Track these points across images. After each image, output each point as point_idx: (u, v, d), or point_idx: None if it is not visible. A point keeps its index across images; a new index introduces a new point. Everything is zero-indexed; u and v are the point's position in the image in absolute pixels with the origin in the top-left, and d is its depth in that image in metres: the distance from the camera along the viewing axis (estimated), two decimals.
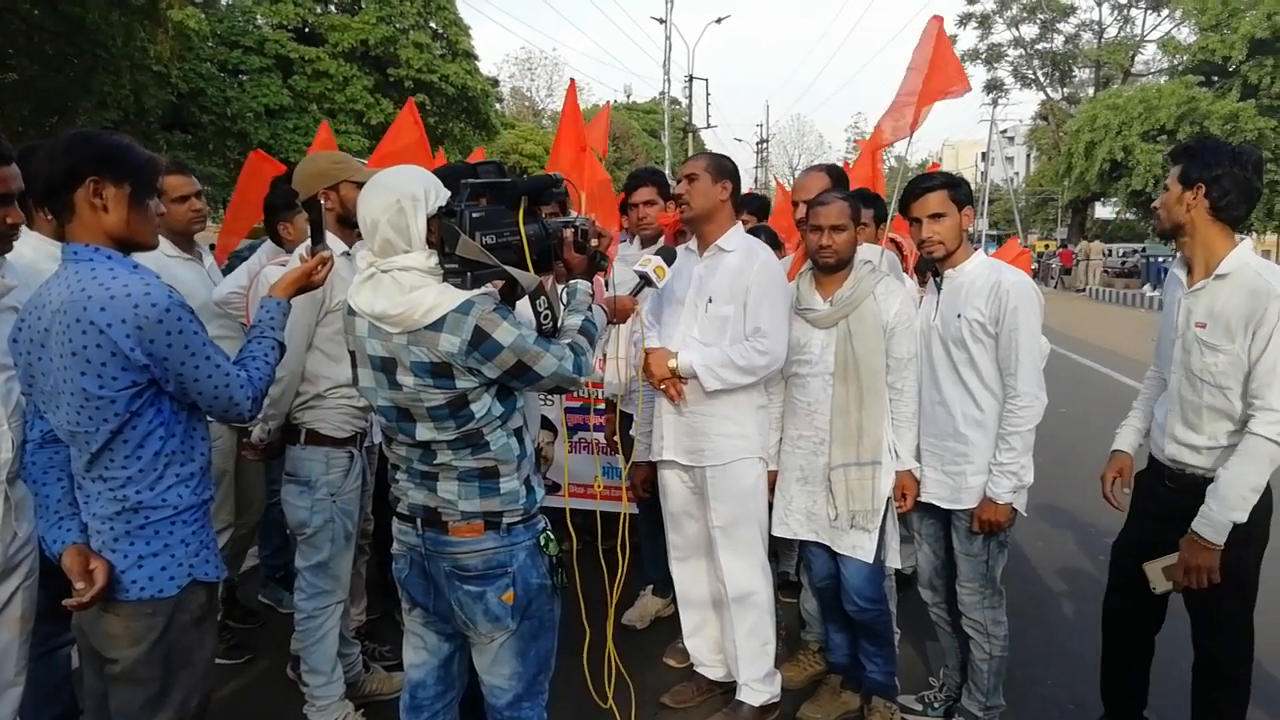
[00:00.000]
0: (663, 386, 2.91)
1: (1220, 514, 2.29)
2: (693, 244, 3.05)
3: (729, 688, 3.14)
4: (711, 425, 2.90)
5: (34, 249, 2.45)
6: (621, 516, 3.17)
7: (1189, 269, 2.47)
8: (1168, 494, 2.55)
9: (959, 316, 2.72)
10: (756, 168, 54.04)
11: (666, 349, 2.90)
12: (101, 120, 13.82)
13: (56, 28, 12.62)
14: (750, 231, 3.23)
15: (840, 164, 4.74)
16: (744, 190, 3.59)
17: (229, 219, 5.12)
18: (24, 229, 2.59)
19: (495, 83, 32.88)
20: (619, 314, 2.55)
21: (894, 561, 2.98)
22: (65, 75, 13.39)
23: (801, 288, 2.95)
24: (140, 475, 1.81)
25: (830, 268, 2.88)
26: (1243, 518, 2.29)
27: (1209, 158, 2.35)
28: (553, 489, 2.93)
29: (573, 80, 5.79)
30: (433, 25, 24.52)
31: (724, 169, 2.92)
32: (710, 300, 2.89)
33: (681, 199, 2.92)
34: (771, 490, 3.03)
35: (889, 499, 2.86)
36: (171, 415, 1.85)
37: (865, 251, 3.04)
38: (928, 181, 2.78)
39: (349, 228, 2.83)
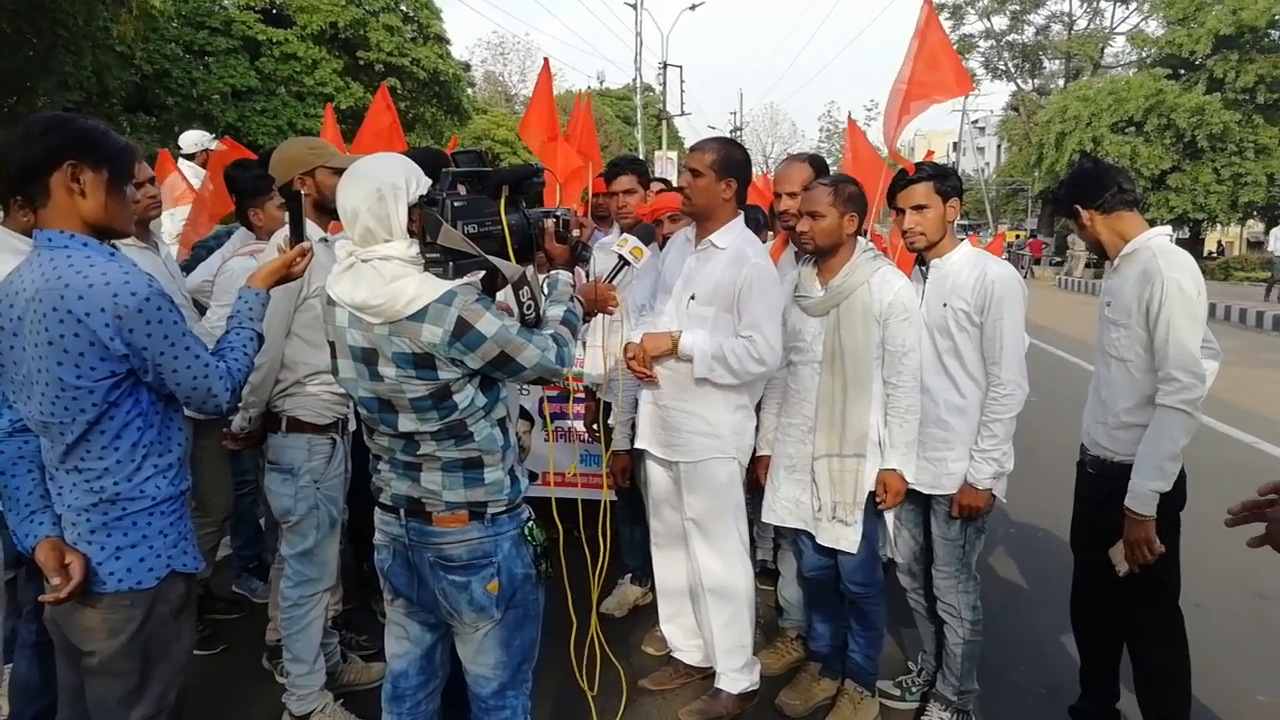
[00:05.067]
0: (632, 363, 2.88)
1: (1141, 485, 2.42)
2: (690, 232, 3.01)
3: (707, 673, 3.16)
4: (684, 422, 2.90)
5: None
6: (603, 504, 3.18)
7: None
8: (1090, 480, 2.71)
9: (944, 305, 2.75)
10: None
11: (669, 332, 2.85)
12: (63, 101, 13.47)
13: (14, 5, 12.25)
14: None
15: (816, 152, 4.73)
16: None
17: (196, 209, 5.02)
18: None
19: (467, 67, 32.51)
20: (599, 303, 2.52)
21: (888, 551, 3.00)
22: (24, 54, 13.02)
23: (803, 274, 2.94)
24: (118, 466, 1.78)
25: (812, 254, 2.89)
26: (1165, 487, 2.41)
27: (1069, 189, 2.69)
28: (530, 478, 2.92)
29: (546, 59, 5.60)
30: (403, 8, 24.14)
31: (730, 166, 2.82)
32: (693, 297, 2.88)
33: (685, 192, 2.87)
34: (766, 475, 3.05)
35: (872, 493, 2.84)
36: (149, 406, 1.82)
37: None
38: (915, 172, 2.80)
39: (326, 214, 2.80)
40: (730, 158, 2.84)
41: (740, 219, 2.96)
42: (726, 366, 2.79)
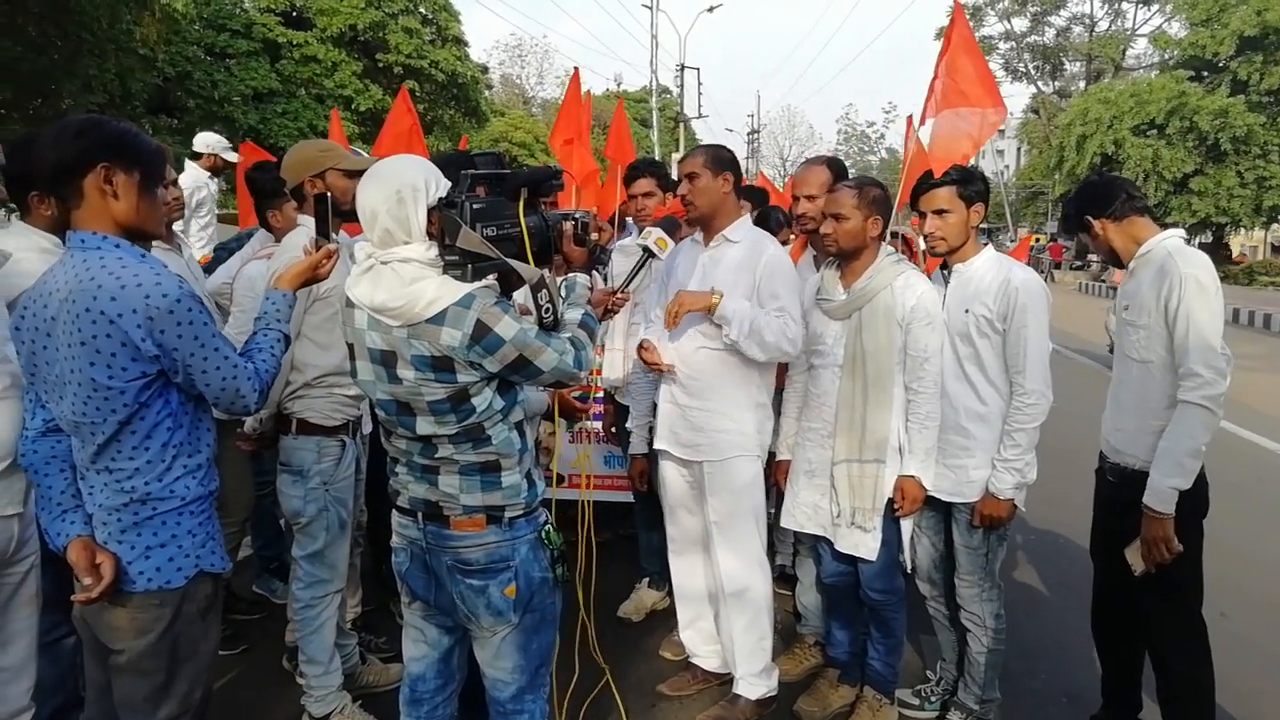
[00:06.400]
0: (647, 356, 2.89)
1: (1160, 481, 2.39)
2: (698, 234, 3.04)
3: (725, 678, 3.16)
4: (710, 420, 2.90)
5: (18, 237, 2.42)
6: (585, 504, 3.18)
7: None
8: (1110, 487, 2.68)
9: (966, 312, 2.72)
10: (748, 158, 53.95)
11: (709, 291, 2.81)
12: (86, 103, 13.66)
13: (40, 9, 12.45)
14: (756, 219, 3.20)
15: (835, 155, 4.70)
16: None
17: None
18: (15, 220, 2.58)
19: (485, 69, 32.72)
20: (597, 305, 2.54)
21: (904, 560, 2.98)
22: (49, 57, 13.21)
23: (826, 277, 2.93)
24: (148, 466, 1.81)
25: (835, 256, 2.88)
26: (1185, 484, 2.38)
27: (1077, 203, 2.69)
28: (559, 481, 2.92)
29: (576, 69, 5.86)
30: (422, 10, 24.33)
31: (722, 161, 2.90)
32: (712, 290, 2.87)
33: (686, 199, 2.89)
34: (784, 480, 3.04)
35: (890, 499, 2.81)
36: (179, 406, 1.84)
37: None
38: (939, 176, 2.79)
39: (336, 215, 2.81)
40: (719, 155, 2.92)
41: (747, 217, 3.00)
42: (760, 338, 2.76)
